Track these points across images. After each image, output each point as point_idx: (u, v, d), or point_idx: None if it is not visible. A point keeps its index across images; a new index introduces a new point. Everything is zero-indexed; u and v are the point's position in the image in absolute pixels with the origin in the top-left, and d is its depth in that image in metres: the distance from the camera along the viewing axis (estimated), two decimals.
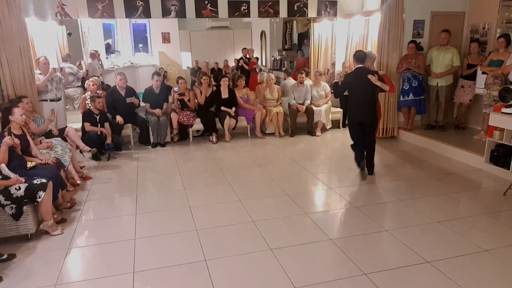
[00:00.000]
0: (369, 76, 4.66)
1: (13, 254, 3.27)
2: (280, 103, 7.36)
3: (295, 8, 7.31)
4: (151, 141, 6.70)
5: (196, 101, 6.96)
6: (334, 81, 7.40)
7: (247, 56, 10.68)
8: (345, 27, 7.64)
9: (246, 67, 10.31)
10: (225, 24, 13.05)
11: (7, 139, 3.66)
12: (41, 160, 4.10)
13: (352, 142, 5.15)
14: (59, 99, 5.93)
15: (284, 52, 12.24)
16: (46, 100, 5.67)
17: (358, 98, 4.82)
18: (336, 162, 5.79)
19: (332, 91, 6.61)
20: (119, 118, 6.25)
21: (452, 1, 6.77)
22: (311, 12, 7.44)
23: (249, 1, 7.02)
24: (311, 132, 7.26)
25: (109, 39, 11.29)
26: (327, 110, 7.35)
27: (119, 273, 3.04)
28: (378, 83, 4.68)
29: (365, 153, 5.03)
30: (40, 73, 5.57)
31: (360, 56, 4.87)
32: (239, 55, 12.92)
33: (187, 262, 3.16)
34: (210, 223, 3.84)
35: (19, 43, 5.09)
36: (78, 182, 4.87)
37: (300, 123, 7.36)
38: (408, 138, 6.74)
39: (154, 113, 6.57)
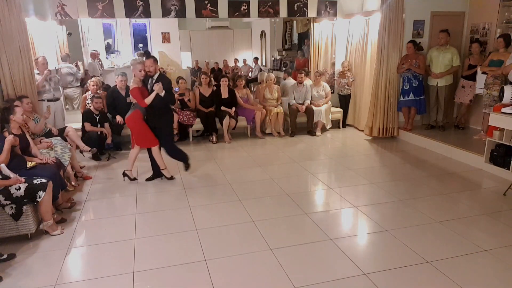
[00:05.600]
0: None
1: (13, 254, 3.27)
2: (280, 103, 7.36)
3: (295, 8, 7.30)
4: None
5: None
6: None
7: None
8: (345, 27, 7.63)
9: None
10: (225, 24, 13.05)
11: (10, 137, 3.67)
12: (41, 159, 4.10)
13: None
14: (57, 99, 5.93)
15: (284, 52, 12.24)
16: (44, 100, 5.68)
17: None
18: (336, 162, 5.79)
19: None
20: (119, 118, 6.24)
21: (452, 1, 6.77)
22: (311, 12, 7.44)
23: (249, 1, 7.02)
24: (311, 132, 7.26)
25: (109, 39, 11.29)
26: (327, 110, 7.35)
27: (119, 273, 3.04)
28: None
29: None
30: (38, 73, 5.59)
31: None
32: (239, 55, 12.96)
33: (187, 262, 3.16)
34: (210, 223, 3.84)
35: (19, 43, 5.08)
36: (73, 183, 4.83)
37: (300, 123, 7.36)
38: (408, 138, 6.73)
39: None
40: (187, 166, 5.28)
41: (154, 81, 4.72)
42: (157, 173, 5.09)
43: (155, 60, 4.78)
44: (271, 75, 7.39)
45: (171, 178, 5.06)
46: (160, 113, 4.79)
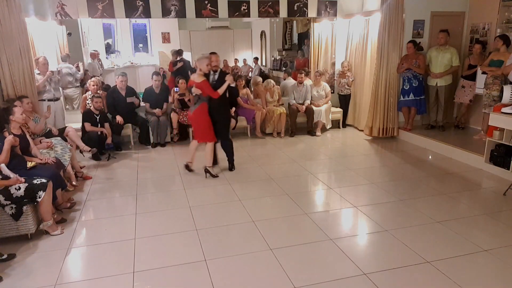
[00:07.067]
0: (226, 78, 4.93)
1: (13, 254, 3.27)
2: (282, 104, 7.36)
3: (295, 8, 7.30)
4: (151, 141, 6.70)
5: None
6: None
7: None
8: (345, 27, 7.63)
9: None
10: (225, 24, 13.04)
11: (10, 138, 3.67)
12: (41, 159, 4.10)
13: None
14: (57, 99, 5.94)
15: (284, 52, 12.24)
16: (44, 100, 5.69)
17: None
18: (336, 162, 5.79)
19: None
20: (119, 118, 6.25)
21: (452, 1, 6.77)
22: (311, 12, 7.44)
23: (249, 1, 7.02)
24: (311, 132, 7.26)
25: (109, 39, 11.29)
26: (327, 110, 7.35)
27: (119, 273, 3.04)
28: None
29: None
30: (39, 73, 5.59)
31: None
32: (239, 55, 12.95)
33: (187, 262, 3.16)
34: (210, 223, 3.84)
35: (19, 43, 5.09)
36: (74, 183, 4.84)
37: (300, 123, 7.36)
38: (408, 138, 6.73)
39: (154, 113, 6.58)
40: (231, 166, 5.40)
41: (217, 77, 4.93)
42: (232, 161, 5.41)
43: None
44: (270, 82, 7.37)
45: (216, 176, 5.13)
46: (221, 106, 5.00)
